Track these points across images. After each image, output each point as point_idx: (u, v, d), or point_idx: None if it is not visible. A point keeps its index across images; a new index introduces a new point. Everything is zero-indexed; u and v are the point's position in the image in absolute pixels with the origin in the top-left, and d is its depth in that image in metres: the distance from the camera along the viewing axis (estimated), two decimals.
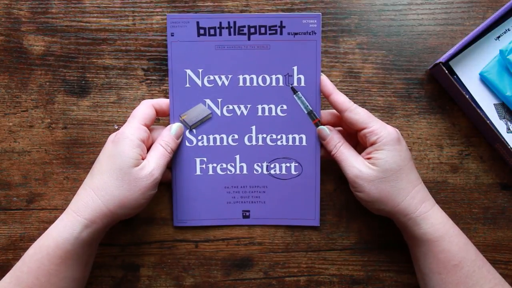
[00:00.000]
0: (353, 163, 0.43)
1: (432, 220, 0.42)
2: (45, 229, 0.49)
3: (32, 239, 0.49)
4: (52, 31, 0.50)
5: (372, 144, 0.43)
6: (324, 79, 0.46)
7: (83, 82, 0.50)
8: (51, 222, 0.49)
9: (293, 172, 0.48)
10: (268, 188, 0.48)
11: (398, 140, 0.43)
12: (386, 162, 0.42)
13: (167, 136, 0.45)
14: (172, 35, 0.46)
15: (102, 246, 0.49)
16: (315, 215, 0.48)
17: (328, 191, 0.50)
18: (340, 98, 0.45)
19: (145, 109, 0.45)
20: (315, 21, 0.46)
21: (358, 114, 0.44)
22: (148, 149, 0.45)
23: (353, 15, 0.51)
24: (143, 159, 0.43)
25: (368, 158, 0.43)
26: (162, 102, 0.47)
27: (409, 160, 0.44)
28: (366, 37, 0.51)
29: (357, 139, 0.46)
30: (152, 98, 0.50)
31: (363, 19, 0.51)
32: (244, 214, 0.48)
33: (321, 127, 0.46)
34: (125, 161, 0.41)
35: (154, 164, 0.42)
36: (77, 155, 0.50)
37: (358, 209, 0.50)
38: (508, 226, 0.50)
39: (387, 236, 0.50)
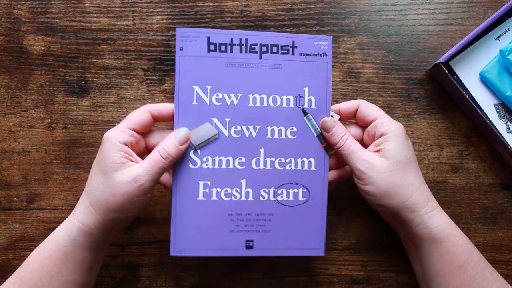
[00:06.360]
0: (361, 155, 0.42)
1: (438, 220, 0.42)
2: (45, 229, 0.50)
3: (32, 239, 0.50)
4: (52, 31, 0.50)
5: (381, 135, 0.43)
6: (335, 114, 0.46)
7: (83, 82, 0.50)
8: (51, 222, 0.50)
9: (300, 198, 0.45)
10: (274, 216, 0.45)
11: (406, 135, 0.44)
12: (397, 153, 0.42)
13: (167, 141, 0.42)
14: (181, 50, 0.44)
15: None
16: (320, 244, 0.45)
17: (328, 191, 0.50)
18: (348, 103, 0.46)
19: (138, 114, 0.43)
20: (327, 43, 0.45)
21: (370, 106, 0.45)
22: (145, 155, 0.43)
23: (353, 15, 0.51)
24: (133, 161, 0.41)
25: (377, 151, 0.43)
26: (162, 107, 0.44)
27: (415, 158, 0.44)
28: (366, 37, 0.51)
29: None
30: (152, 98, 0.50)
31: (363, 19, 0.51)
32: (247, 244, 0.45)
33: (325, 118, 0.45)
34: (107, 165, 0.40)
35: (141, 170, 0.40)
36: (77, 155, 0.50)
37: (358, 209, 0.50)
38: (508, 226, 0.50)
39: (387, 236, 0.50)
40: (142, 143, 0.44)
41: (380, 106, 0.50)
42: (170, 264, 0.50)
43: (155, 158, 0.41)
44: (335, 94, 0.51)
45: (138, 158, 0.42)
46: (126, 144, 0.41)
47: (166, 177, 0.45)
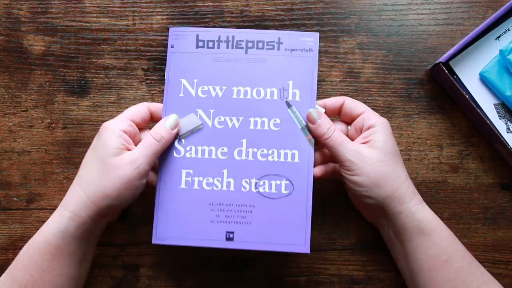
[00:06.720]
0: (350, 146, 0.42)
1: (425, 213, 0.43)
2: None
3: None
4: (52, 31, 0.50)
5: (369, 127, 0.43)
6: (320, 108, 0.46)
7: (83, 82, 0.50)
8: None
9: (283, 190, 0.44)
10: (256, 207, 0.44)
11: (391, 129, 0.44)
12: (386, 145, 0.42)
13: (159, 125, 0.43)
14: (172, 47, 0.46)
15: (102, 246, 0.49)
16: (305, 240, 0.44)
17: (328, 191, 0.50)
18: (333, 98, 0.46)
19: (138, 107, 0.45)
20: (313, 39, 0.46)
21: (356, 102, 0.45)
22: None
23: (353, 15, 0.51)
24: (128, 150, 0.42)
25: (364, 143, 0.43)
26: (159, 106, 0.46)
27: (400, 153, 0.45)
28: (366, 37, 0.51)
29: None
30: (152, 98, 0.50)
31: (363, 19, 0.51)
32: (227, 236, 0.44)
33: (311, 109, 0.44)
34: (106, 150, 0.41)
35: (136, 153, 0.41)
36: (77, 155, 0.50)
37: None
38: (508, 226, 0.50)
39: None
40: (139, 138, 0.45)
41: (380, 106, 0.51)
42: (170, 264, 0.50)
43: (149, 142, 0.42)
44: (335, 94, 0.51)
45: (135, 147, 0.43)
46: (125, 132, 0.42)
47: (152, 177, 0.45)
